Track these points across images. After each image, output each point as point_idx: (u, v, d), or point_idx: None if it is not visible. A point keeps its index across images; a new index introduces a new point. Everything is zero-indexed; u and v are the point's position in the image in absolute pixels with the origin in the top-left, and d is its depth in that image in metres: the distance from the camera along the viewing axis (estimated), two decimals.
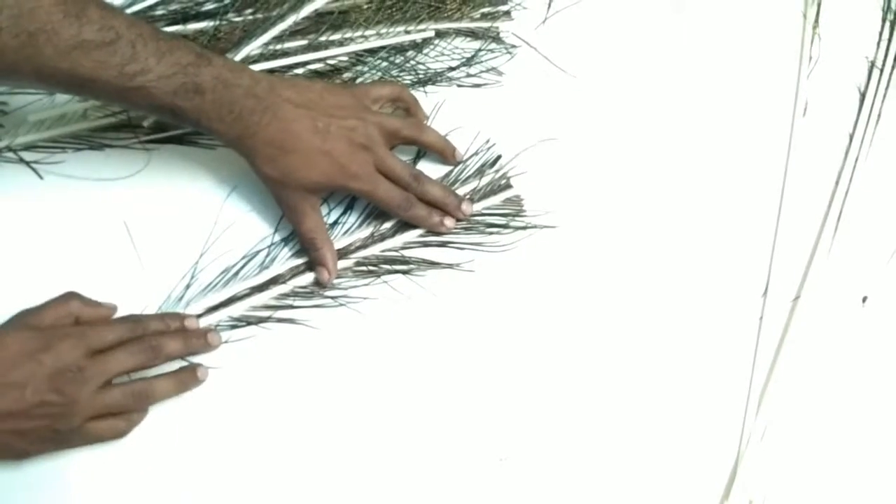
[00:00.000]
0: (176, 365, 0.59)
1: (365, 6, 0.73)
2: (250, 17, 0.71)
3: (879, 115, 0.77)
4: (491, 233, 0.68)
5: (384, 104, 0.69)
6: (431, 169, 0.70)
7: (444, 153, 0.69)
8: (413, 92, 0.72)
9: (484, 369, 0.63)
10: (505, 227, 0.69)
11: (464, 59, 0.75)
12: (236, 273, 0.64)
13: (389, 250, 0.66)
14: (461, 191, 0.69)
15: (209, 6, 0.71)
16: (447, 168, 0.70)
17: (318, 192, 0.64)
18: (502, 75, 0.75)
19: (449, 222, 0.67)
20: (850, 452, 0.63)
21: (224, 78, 0.58)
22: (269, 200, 0.65)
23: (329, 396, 0.61)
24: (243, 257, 0.65)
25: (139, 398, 0.57)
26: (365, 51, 0.72)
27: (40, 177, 0.65)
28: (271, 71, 0.69)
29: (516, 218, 0.69)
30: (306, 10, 0.71)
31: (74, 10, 0.53)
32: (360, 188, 0.64)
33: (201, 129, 0.60)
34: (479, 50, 0.76)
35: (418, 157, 0.70)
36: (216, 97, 0.58)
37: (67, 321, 0.57)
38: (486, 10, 0.77)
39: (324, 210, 0.67)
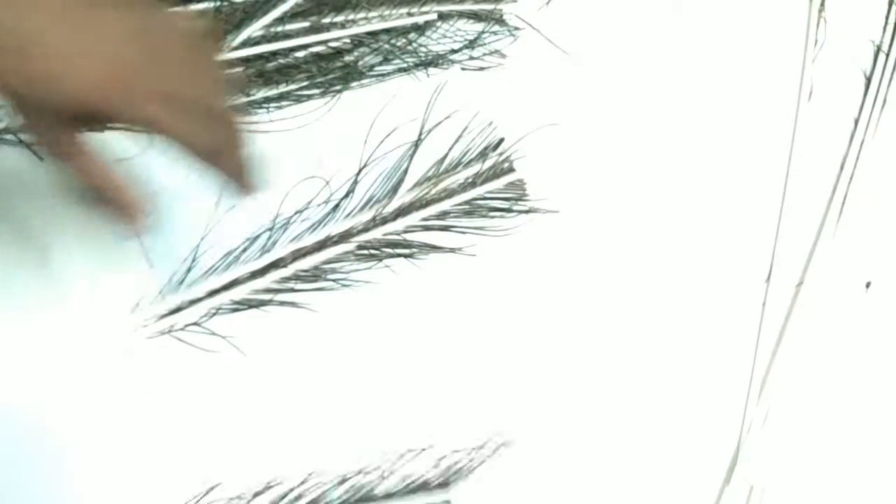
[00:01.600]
0: None
1: None
2: None
3: (885, 100, 0.76)
4: (493, 217, 0.68)
5: None
6: (430, 155, 0.69)
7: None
8: (415, 74, 0.72)
9: (485, 354, 0.63)
10: (507, 211, 0.68)
11: (466, 42, 0.75)
12: (237, 256, 0.64)
13: (391, 234, 0.66)
14: (463, 174, 0.68)
15: None
16: (447, 150, 0.69)
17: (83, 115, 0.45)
18: (505, 58, 0.75)
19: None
20: (852, 438, 0.63)
21: None
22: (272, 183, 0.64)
23: (330, 380, 0.61)
24: (245, 240, 0.64)
25: None
26: (367, 33, 0.72)
27: (40, 158, 0.65)
28: (273, 54, 0.68)
29: (519, 202, 0.69)
30: None
31: None
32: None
33: None
34: (482, 32, 0.75)
35: (417, 145, 0.70)
36: None
37: None
38: None
39: (325, 193, 0.67)
